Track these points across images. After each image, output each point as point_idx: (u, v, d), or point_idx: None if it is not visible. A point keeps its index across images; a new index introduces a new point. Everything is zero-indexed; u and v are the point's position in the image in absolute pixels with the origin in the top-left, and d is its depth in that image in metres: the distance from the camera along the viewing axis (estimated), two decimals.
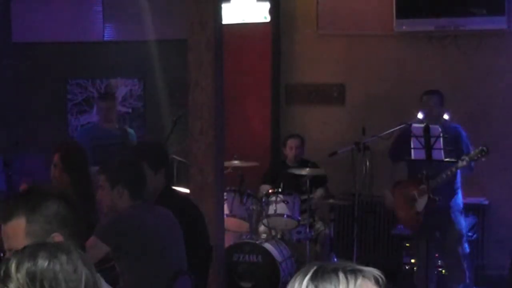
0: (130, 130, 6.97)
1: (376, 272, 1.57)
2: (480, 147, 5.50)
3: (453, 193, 5.79)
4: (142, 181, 3.79)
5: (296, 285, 1.56)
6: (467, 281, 5.85)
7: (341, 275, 1.54)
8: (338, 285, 1.52)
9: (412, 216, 5.75)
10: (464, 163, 5.54)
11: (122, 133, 6.75)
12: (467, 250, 5.87)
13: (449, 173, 5.57)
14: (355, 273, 1.55)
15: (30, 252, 1.84)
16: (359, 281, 1.53)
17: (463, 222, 5.95)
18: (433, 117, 5.76)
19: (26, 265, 1.81)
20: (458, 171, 5.72)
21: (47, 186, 4.20)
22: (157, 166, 4.23)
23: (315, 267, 1.57)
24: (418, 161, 5.50)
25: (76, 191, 4.27)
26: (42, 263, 1.81)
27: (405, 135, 5.74)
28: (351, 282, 1.53)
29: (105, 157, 6.15)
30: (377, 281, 1.56)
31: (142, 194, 3.75)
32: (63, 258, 1.84)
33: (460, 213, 5.88)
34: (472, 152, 5.58)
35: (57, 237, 2.35)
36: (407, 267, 6.34)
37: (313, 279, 1.55)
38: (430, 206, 5.50)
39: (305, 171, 6.41)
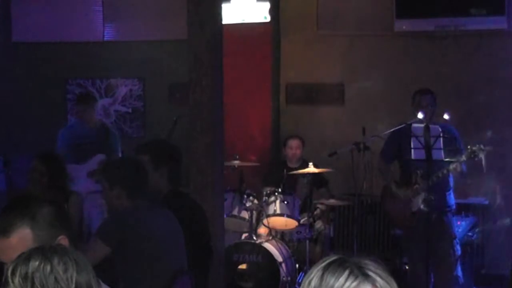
0: (113, 130, 7.03)
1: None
2: (478, 145, 5.35)
3: (446, 193, 5.73)
4: (140, 181, 3.77)
5: (314, 270, 1.56)
6: (460, 282, 5.81)
7: (347, 271, 1.52)
8: (337, 280, 1.52)
9: (407, 216, 5.69)
10: (462, 159, 5.43)
11: (100, 132, 6.78)
12: (459, 252, 5.82)
13: (445, 171, 5.47)
14: (364, 275, 1.52)
15: (26, 256, 1.90)
16: (359, 284, 1.51)
17: (455, 224, 5.90)
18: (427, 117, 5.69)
19: (20, 267, 1.87)
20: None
21: (34, 193, 4.38)
22: (158, 163, 4.20)
23: (333, 258, 1.57)
24: (412, 161, 5.44)
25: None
26: (34, 263, 1.87)
27: (397, 135, 5.71)
28: (349, 281, 1.51)
29: (84, 155, 6.41)
30: None
31: (141, 194, 3.74)
32: (55, 259, 1.88)
33: (452, 215, 5.82)
34: (467, 152, 5.43)
35: (63, 240, 2.40)
36: (407, 267, 6.32)
37: (325, 268, 1.55)
38: (426, 206, 5.45)
39: (305, 171, 6.41)
